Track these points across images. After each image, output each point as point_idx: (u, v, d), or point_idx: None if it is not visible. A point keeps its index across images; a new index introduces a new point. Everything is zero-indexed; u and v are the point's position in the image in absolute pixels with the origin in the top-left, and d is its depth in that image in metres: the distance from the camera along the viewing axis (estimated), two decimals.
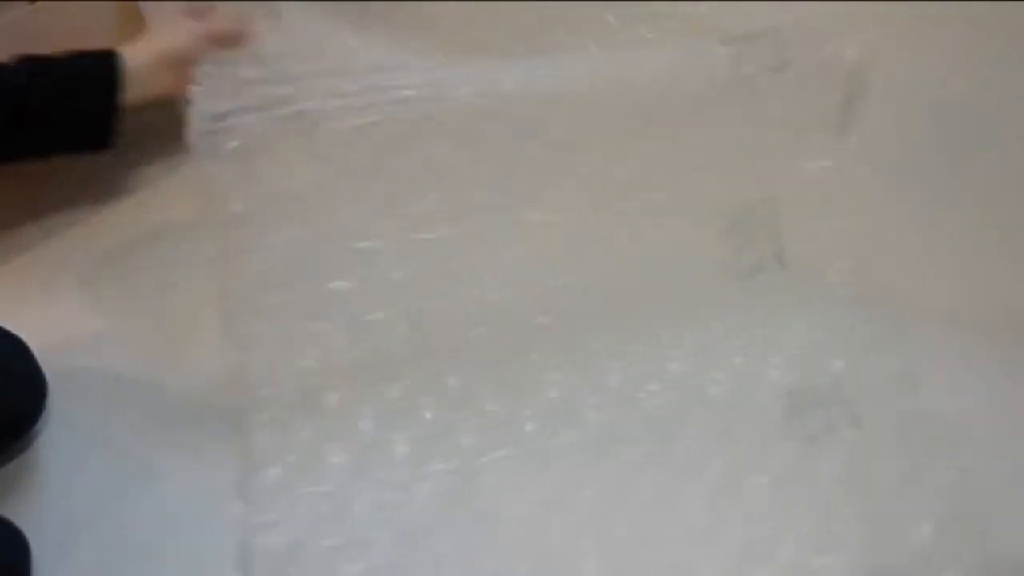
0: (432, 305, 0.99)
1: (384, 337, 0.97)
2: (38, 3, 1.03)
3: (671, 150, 1.06)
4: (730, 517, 0.90)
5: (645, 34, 1.11)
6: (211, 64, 0.92)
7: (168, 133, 0.97)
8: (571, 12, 1.11)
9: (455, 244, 0.99)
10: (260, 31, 0.95)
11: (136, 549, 0.89)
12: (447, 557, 0.88)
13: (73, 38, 0.95)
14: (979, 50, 1.18)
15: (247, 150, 0.96)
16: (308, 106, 0.95)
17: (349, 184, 0.99)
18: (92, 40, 0.97)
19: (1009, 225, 1.10)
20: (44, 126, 0.87)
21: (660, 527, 0.89)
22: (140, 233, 1.09)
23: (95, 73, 0.88)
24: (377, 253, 0.98)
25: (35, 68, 0.87)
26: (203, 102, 0.91)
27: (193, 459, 0.93)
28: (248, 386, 0.94)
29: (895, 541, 0.89)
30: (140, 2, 1.04)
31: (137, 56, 0.90)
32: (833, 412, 0.95)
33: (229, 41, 0.93)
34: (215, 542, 0.88)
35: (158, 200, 1.10)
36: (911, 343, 1.00)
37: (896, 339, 1.00)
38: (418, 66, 0.99)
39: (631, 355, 0.99)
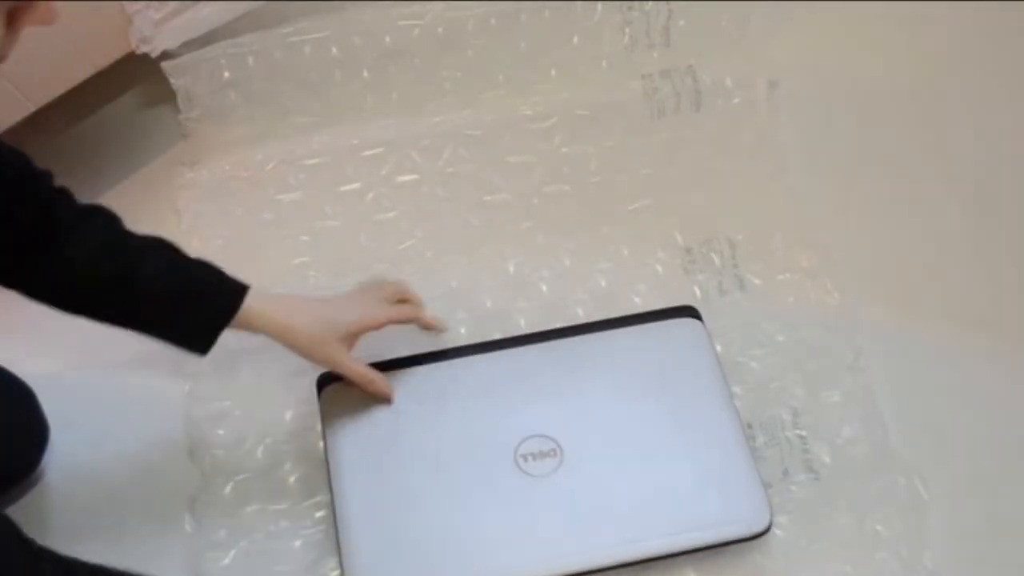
0: None
1: None
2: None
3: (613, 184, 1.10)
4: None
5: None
6: None
7: None
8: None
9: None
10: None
11: None
12: None
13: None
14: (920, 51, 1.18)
15: None
16: None
17: None
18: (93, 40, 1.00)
19: (974, 238, 1.08)
20: (150, 313, 0.85)
21: None
22: None
23: (218, 298, 0.86)
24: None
25: (169, 263, 0.85)
26: None
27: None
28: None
29: None
30: (124, 2, 1.04)
31: (280, 309, 0.87)
32: (790, 452, 0.95)
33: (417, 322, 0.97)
34: None
35: None
36: (875, 371, 0.99)
37: (861, 366, 0.99)
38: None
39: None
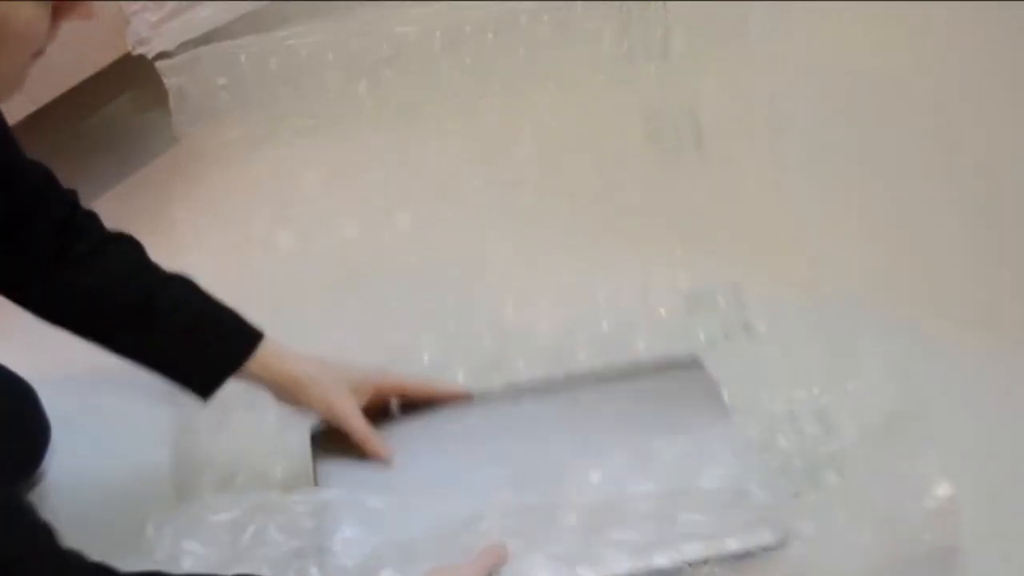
0: None
1: None
2: None
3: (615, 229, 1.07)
4: None
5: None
6: None
7: None
8: None
9: None
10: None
11: None
12: None
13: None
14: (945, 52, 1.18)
15: None
16: None
17: None
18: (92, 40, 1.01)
19: (973, 238, 1.08)
20: (162, 347, 0.83)
21: None
22: None
23: (232, 341, 0.84)
24: None
25: (189, 298, 0.84)
26: None
27: None
28: None
29: None
30: (121, 2, 1.04)
31: (293, 362, 0.84)
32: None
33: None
34: None
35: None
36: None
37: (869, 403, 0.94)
38: None
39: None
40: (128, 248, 0.84)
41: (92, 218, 0.84)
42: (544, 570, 0.79)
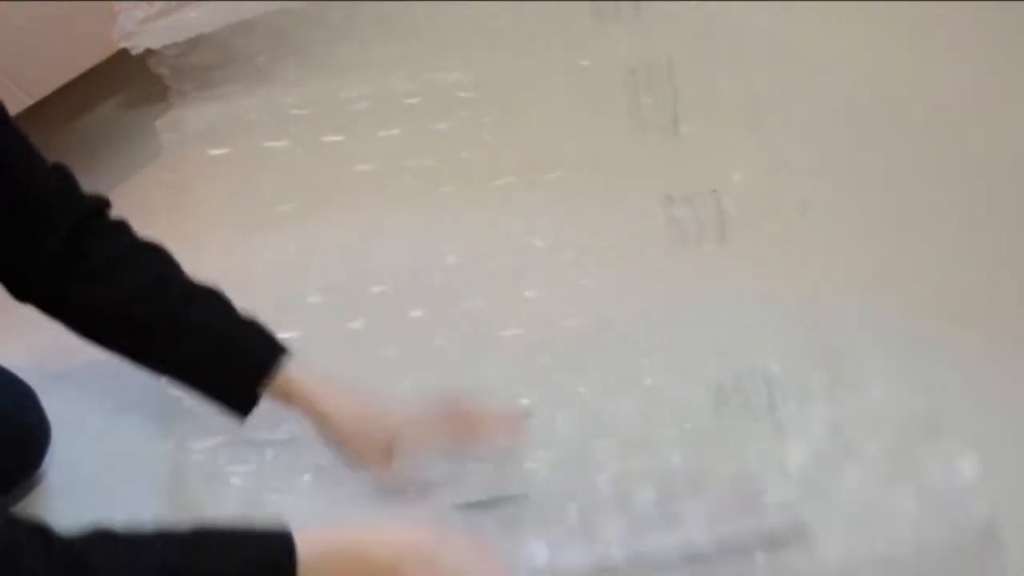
0: None
1: None
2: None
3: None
4: None
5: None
6: None
7: None
8: None
9: None
10: None
11: None
12: None
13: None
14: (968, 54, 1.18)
15: None
16: None
17: None
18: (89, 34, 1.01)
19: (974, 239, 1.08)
20: (189, 359, 0.81)
21: None
22: None
23: (257, 354, 0.81)
24: None
25: (218, 312, 0.81)
26: None
27: None
28: None
29: None
30: (112, 1, 1.04)
31: (320, 380, 0.80)
32: None
33: None
34: None
35: None
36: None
37: None
38: None
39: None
40: (154, 260, 0.82)
41: (117, 228, 0.82)
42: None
